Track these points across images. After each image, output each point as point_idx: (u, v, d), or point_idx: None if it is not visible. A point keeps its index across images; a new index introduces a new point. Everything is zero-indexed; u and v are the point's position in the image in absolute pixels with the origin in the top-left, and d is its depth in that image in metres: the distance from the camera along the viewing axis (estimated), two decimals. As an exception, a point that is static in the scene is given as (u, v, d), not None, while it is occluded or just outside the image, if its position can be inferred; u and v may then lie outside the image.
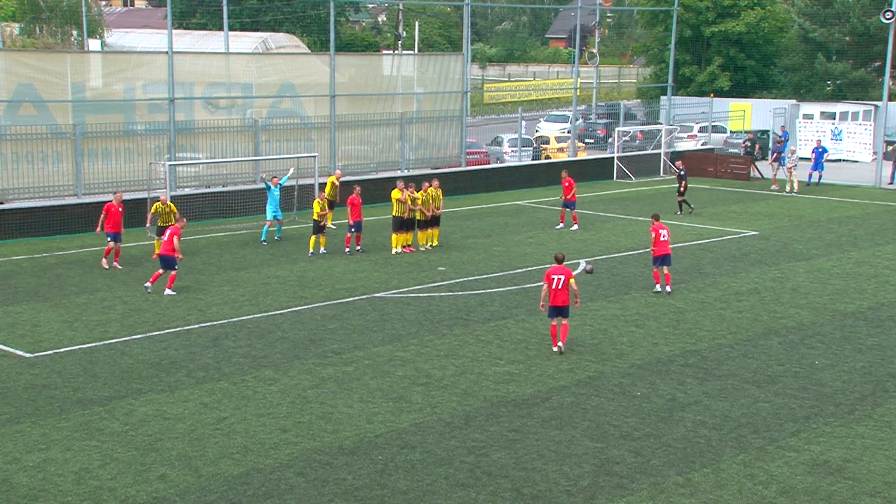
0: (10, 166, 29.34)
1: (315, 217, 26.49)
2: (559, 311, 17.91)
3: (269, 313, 20.82)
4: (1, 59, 30.64)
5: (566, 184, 31.49)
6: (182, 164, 32.05)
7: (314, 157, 32.85)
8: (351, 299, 22.09)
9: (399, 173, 37.99)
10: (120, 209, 24.69)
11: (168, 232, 22.11)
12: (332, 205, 30.81)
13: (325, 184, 30.87)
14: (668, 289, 22.83)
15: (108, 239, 24.66)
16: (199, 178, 33.60)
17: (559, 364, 17.59)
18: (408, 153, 38.52)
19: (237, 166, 33.99)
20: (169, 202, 25.17)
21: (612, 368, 17.45)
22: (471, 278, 24.41)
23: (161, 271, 22.25)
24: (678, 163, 35.39)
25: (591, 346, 18.72)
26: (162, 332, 19.32)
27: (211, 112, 34.15)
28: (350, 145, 37.19)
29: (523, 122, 44.15)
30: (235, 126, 34.07)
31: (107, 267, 24.46)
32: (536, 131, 56.01)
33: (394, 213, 26.98)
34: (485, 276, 24.65)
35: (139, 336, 18.99)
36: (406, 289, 23.19)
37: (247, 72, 35.31)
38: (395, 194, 26.84)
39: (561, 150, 47.22)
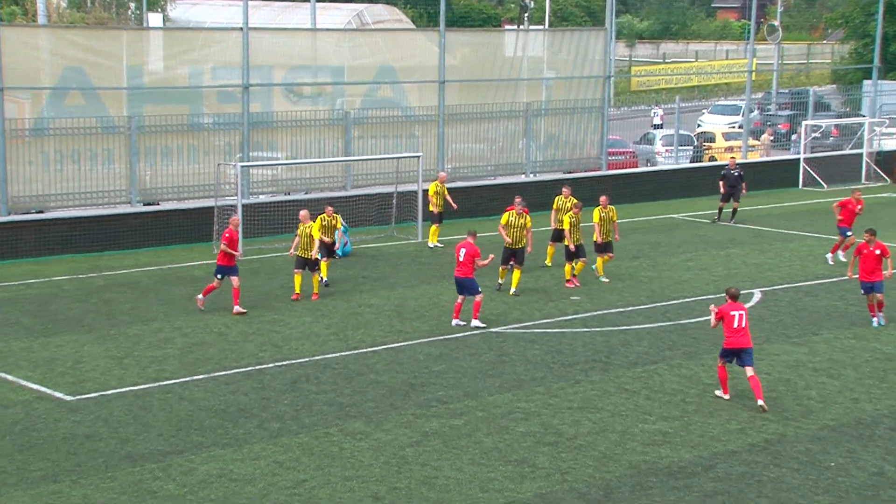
0: (52, 167, 30.26)
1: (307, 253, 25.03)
2: (738, 354, 18.04)
3: (360, 351, 21.00)
4: (45, 37, 31.67)
5: None
6: (257, 166, 32.67)
7: (418, 157, 33.08)
8: (461, 335, 22.11)
9: (522, 178, 37.94)
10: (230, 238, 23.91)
11: (463, 252, 22.43)
12: (439, 217, 31.05)
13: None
14: (879, 320, 23.20)
15: (217, 275, 23.83)
16: (276, 182, 34.22)
17: (726, 422, 17.22)
18: (534, 153, 38.46)
19: (323, 169, 34.52)
20: (335, 213, 26.35)
21: (796, 430, 17.00)
22: (612, 310, 24.20)
23: (461, 299, 22.83)
24: (731, 160, 36.16)
25: (770, 400, 18.27)
26: (229, 371, 19.65)
27: (293, 102, 34.76)
28: (463, 143, 37.34)
29: (654, 114, 43.54)
30: (322, 119, 34.61)
31: (201, 307, 23.89)
32: (699, 126, 55.23)
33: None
34: (630, 307, 24.41)
35: (201, 376, 19.35)
36: (530, 322, 23.09)
37: (337, 52, 35.85)
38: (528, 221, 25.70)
39: (730, 149, 46.50)
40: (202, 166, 32.25)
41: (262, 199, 33.20)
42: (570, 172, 39.53)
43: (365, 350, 21.04)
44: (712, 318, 18.36)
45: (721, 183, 35.28)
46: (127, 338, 21.80)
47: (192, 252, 30.15)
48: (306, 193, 34.35)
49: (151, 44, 33.22)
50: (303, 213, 25.08)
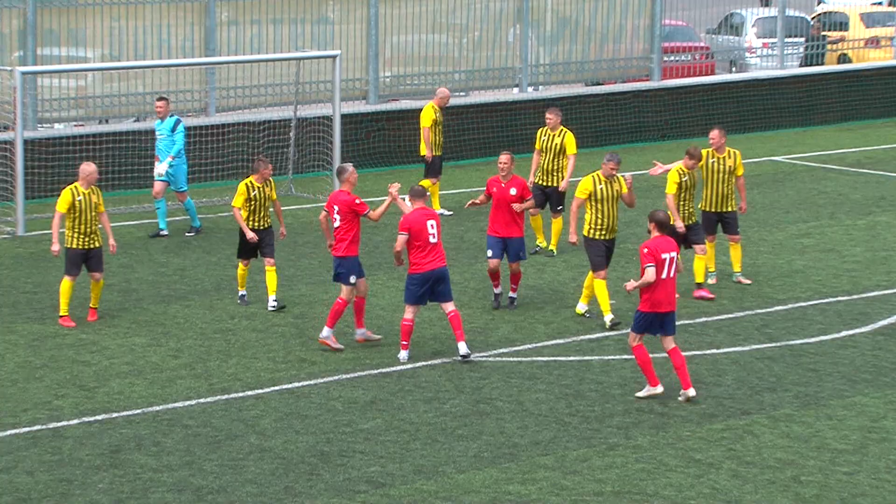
0: None
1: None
2: (664, 321, 20.47)
3: (233, 395, 20.92)
4: None
5: None
6: (51, 73, 32.47)
7: (334, 58, 32.94)
8: (408, 367, 22.17)
9: (515, 94, 37.84)
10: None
11: (433, 225, 22.02)
12: (434, 167, 31.25)
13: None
14: None
15: (348, 277, 23.07)
16: (85, 103, 34.22)
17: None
18: (535, 52, 38.46)
19: (168, 78, 34.49)
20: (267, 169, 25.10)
21: None
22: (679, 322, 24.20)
23: (414, 312, 22.48)
24: None
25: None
26: (4, 433, 19.49)
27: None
28: (410, 34, 37.52)
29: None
30: (165, -8, 34.55)
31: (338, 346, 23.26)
32: (820, 2, 55.33)
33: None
34: (702, 318, 24.57)
35: (-48, 441, 19.21)
36: (529, 345, 23.17)
37: None
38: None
39: (874, 41, 46.58)
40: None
41: (60, 130, 33.08)
42: (598, 84, 39.51)
43: (241, 394, 20.95)
44: (650, 269, 19.73)
45: None
46: None
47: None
48: (137, 121, 34.19)
49: None
50: (87, 168, 24.75)
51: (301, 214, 31.45)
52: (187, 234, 29.35)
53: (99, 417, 20.01)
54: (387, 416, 20.19)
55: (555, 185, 28.04)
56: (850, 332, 23.61)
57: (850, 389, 21.01)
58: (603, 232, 24.21)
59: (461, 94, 37.94)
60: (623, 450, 19.09)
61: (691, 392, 20.45)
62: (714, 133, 26.65)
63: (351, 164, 24.04)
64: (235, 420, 19.98)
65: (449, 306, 22.37)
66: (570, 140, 28.04)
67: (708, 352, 22.85)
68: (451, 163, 34.39)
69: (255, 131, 33.60)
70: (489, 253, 25.29)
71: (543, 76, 38.95)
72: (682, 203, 25.67)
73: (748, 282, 26.50)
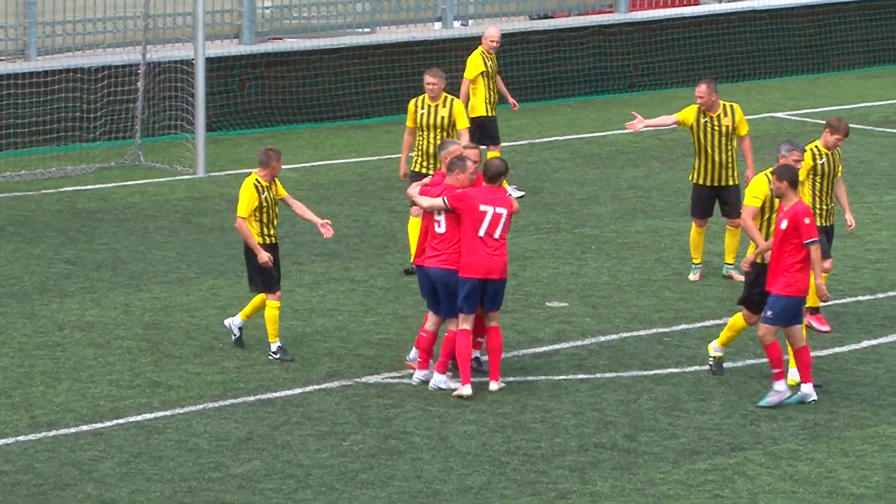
0: None
1: None
2: (488, 291, 21.51)
3: (61, 431, 20.80)
4: None
5: None
6: None
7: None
8: (295, 392, 22.24)
9: (437, 31, 38.04)
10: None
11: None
12: (489, 132, 31.59)
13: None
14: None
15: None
16: None
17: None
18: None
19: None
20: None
21: None
22: (655, 330, 24.65)
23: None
24: None
25: None
26: None
27: None
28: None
29: None
30: None
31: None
32: None
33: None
34: (688, 323, 24.97)
35: None
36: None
37: None
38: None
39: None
40: None
41: None
42: (547, 17, 39.75)
43: (74, 430, 20.88)
44: (436, 200, 20.58)
45: None
46: None
47: None
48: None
49: None
50: None
51: (152, 191, 31.51)
52: None
53: None
54: (267, 456, 20.12)
55: None
56: (873, 341, 23.77)
57: (872, 417, 21.05)
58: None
59: (364, 30, 38.04)
60: (577, 497, 19.08)
61: (494, 386, 21.82)
62: (701, 89, 27.20)
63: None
64: (66, 464, 19.78)
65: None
66: (459, 110, 28.12)
67: (689, 369, 23.00)
68: (351, 121, 34.54)
69: (91, 81, 33.53)
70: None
71: (474, 6, 38.99)
72: (817, 195, 25.35)
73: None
